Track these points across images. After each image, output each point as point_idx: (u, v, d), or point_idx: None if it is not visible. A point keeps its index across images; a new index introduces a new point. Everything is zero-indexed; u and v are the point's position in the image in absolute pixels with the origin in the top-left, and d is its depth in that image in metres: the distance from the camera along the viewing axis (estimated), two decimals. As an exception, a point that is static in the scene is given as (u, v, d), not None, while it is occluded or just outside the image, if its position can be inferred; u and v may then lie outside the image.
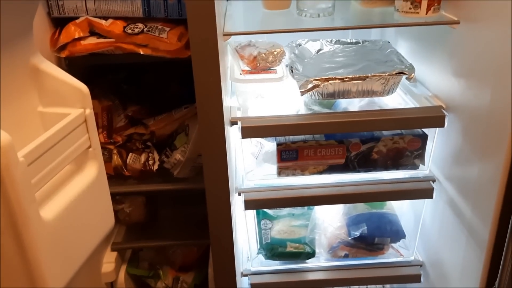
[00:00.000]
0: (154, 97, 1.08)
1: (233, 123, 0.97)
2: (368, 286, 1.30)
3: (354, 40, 1.17)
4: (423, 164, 1.04)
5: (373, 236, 1.12)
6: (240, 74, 1.04)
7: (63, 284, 0.51)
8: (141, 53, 0.86)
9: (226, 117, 0.93)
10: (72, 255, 0.53)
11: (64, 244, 0.51)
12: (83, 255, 0.55)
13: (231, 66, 1.08)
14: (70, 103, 0.54)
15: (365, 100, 1.08)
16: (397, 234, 1.13)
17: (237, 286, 1.05)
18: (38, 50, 0.54)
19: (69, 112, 0.52)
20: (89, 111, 0.55)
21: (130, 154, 1.00)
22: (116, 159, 1.00)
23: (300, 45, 1.16)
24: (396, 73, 0.98)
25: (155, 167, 0.99)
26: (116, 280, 1.09)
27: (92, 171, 0.56)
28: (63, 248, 0.50)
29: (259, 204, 1.05)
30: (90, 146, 0.55)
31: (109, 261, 1.05)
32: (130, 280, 1.14)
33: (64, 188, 0.51)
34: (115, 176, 1.00)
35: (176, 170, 0.99)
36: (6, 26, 0.48)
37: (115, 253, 1.07)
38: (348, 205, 1.18)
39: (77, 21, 0.88)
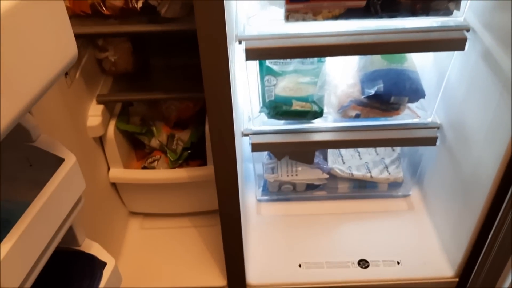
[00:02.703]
0: None
1: (233, -51, 0.79)
2: (378, 151, 1.23)
3: None
4: (458, 9, 0.88)
5: (389, 95, 1.00)
6: None
7: (7, 120, 0.40)
8: None
9: None
10: (18, 85, 0.41)
11: (3, 68, 0.38)
12: (34, 87, 0.43)
13: None
14: None
15: None
16: (416, 93, 1.01)
17: (236, 146, 0.97)
18: None
19: None
20: None
21: (109, -12, 0.84)
22: (93, -7, 0.84)
23: None
24: None
25: (139, 4, 0.83)
26: (105, 135, 1.00)
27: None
28: (5, 72, 0.38)
29: (263, 53, 0.91)
30: None
31: (95, 114, 0.95)
32: (121, 136, 1.05)
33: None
34: (92, 14, 0.85)
35: (164, 7, 0.83)
36: None
37: (101, 106, 0.97)
38: (363, 59, 1.04)
39: None
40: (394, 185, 1.21)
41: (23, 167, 0.63)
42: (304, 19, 0.89)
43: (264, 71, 1.05)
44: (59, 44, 0.46)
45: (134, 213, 1.22)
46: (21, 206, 0.57)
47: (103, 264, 0.69)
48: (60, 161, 0.59)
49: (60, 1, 0.45)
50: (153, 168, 1.09)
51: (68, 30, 0.47)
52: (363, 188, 1.22)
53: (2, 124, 0.39)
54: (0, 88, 0.39)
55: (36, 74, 0.43)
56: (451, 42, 0.89)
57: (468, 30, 0.88)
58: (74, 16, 0.86)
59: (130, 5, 0.83)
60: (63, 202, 0.57)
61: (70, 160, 0.58)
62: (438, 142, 1.05)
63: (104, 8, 0.84)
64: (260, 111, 1.05)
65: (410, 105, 1.06)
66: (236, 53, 0.92)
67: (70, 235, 0.68)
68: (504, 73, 0.80)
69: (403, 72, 1.01)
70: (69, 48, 0.47)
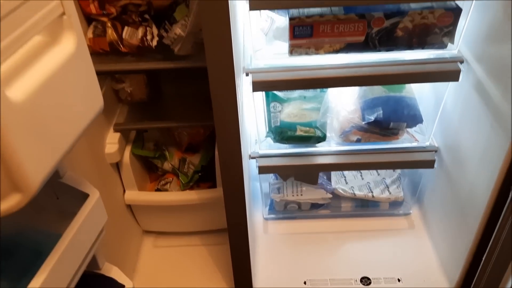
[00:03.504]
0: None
1: (239, -8, 0.85)
2: (379, 171, 1.28)
3: None
4: (452, 42, 0.93)
5: (388, 121, 1.06)
6: None
7: (47, 171, 0.46)
8: None
9: (231, -15, 0.81)
10: (55, 140, 0.47)
11: (43, 129, 0.45)
12: (68, 140, 0.49)
13: None
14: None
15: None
16: (414, 119, 1.07)
17: (244, 168, 1.03)
18: None
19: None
20: (57, -33, 0.45)
21: (126, 27, 0.90)
22: (110, 33, 0.90)
23: None
24: None
25: (154, 43, 0.90)
26: (121, 161, 1.07)
27: (70, 44, 0.48)
28: (42, 133, 0.45)
29: (268, 85, 0.97)
30: (63, 13, 0.46)
31: (112, 142, 1.02)
32: (136, 161, 1.12)
33: (36, 64, 0.44)
34: (111, 52, 0.92)
35: (177, 46, 0.89)
36: None
37: (118, 134, 1.03)
38: (364, 87, 1.10)
39: None
40: (395, 204, 1.26)
41: (51, 200, 0.69)
42: (307, 53, 0.95)
43: (270, 98, 1.11)
44: (90, 100, 0.52)
45: (147, 232, 1.28)
46: (50, 237, 0.64)
47: (122, 287, 0.75)
48: (84, 195, 0.65)
49: (90, 64, 0.51)
50: (166, 190, 1.15)
51: (96, 86, 0.53)
52: (365, 207, 1.27)
53: (45, 171, 0.46)
54: (44, 142, 0.45)
55: (72, 127, 0.49)
56: (446, 73, 0.94)
57: (462, 62, 0.94)
58: (94, 53, 0.92)
59: (146, 44, 0.90)
60: (89, 234, 0.63)
61: (94, 196, 0.64)
62: (436, 165, 1.10)
63: (122, 46, 0.91)
64: (267, 136, 1.11)
65: (409, 129, 1.11)
66: (244, 83, 0.98)
67: (92, 260, 0.74)
68: (494, 104, 0.86)
69: (402, 99, 1.07)
70: (97, 102, 0.54)
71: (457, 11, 0.89)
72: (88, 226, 0.62)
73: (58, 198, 0.69)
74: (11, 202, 0.44)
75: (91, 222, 0.63)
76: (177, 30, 0.87)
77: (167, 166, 1.16)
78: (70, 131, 0.50)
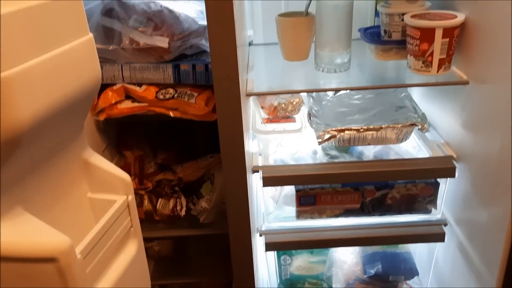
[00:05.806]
0: (182, 145, 1.15)
1: (255, 171, 1.04)
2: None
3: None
4: (435, 208, 1.10)
5: (387, 274, 1.18)
6: (261, 123, 1.11)
7: None
8: (172, 115, 0.94)
9: (248, 164, 1.00)
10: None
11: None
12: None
13: (252, 113, 1.15)
14: (115, 190, 0.61)
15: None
16: (411, 272, 1.19)
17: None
18: (87, 144, 0.61)
19: (114, 198, 0.60)
20: (131, 197, 0.63)
21: (160, 199, 1.08)
22: (146, 204, 1.08)
23: (318, 88, 1.21)
24: (409, 125, 1.03)
25: (183, 212, 1.07)
26: (146, 314, 1.17)
27: (133, 248, 0.64)
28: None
29: (279, 246, 1.12)
30: (132, 226, 0.63)
31: (139, 297, 1.13)
32: (158, 313, 1.22)
33: (110, 268, 0.59)
34: (145, 219, 1.08)
35: (202, 216, 1.06)
36: (64, 133, 0.56)
37: (145, 289, 1.15)
38: (363, 242, 1.24)
39: (114, 87, 0.96)
40: None
41: None
42: (312, 218, 1.11)
43: (281, 251, 1.25)
44: (142, 283, 0.66)
45: None
46: None
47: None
48: None
49: (143, 254, 0.67)
50: None
51: (146, 272, 0.68)
52: None
53: None
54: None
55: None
56: (433, 235, 1.09)
57: (445, 225, 1.09)
58: (131, 221, 1.09)
59: (176, 213, 1.07)
60: None
61: None
62: (435, 316, 1.19)
63: (155, 215, 1.08)
64: (278, 288, 1.22)
65: (407, 281, 1.22)
66: (258, 243, 1.13)
67: None
68: (476, 268, 0.98)
69: (398, 255, 1.21)
70: (147, 284, 0.68)
71: (435, 185, 1.07)
72: None
73: None
74: None
75: None
76: (203, 203, 1.04)
77: (186, 317, 1.25)
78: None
